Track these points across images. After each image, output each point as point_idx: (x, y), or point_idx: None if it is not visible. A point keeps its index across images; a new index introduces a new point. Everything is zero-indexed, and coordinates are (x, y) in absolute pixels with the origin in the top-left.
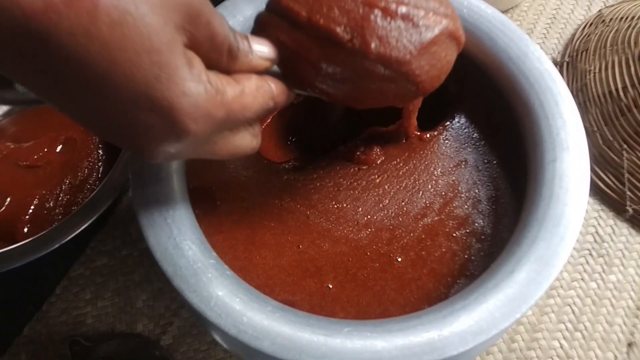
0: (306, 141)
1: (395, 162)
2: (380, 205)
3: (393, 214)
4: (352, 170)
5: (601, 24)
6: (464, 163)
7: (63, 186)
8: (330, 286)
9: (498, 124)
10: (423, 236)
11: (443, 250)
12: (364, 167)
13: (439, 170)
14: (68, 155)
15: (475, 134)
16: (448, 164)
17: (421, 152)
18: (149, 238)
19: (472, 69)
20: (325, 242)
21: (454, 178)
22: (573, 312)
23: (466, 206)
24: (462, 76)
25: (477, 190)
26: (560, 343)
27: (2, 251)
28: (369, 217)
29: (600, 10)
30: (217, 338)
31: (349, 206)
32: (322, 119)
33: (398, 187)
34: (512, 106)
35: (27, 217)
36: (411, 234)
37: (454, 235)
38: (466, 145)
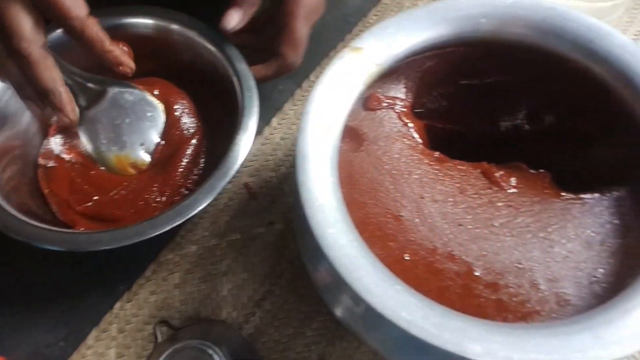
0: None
1: (524, 199)
2: (489, 224)
3: (489, 237)
4: (481, 184)
5: None
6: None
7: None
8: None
9: None
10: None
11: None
12: (494, 187)
13: (556, 225)
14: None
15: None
16: (575, 229)
17: (553, 204)
18: (318, 235)
19: None
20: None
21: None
22: None
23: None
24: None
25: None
26: None
27: (107, 231)
28: (477, 229)
29: None
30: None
31: (460, 210)
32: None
33: (512, 219)
34: None
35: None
36: (507, 268)
37: None
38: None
